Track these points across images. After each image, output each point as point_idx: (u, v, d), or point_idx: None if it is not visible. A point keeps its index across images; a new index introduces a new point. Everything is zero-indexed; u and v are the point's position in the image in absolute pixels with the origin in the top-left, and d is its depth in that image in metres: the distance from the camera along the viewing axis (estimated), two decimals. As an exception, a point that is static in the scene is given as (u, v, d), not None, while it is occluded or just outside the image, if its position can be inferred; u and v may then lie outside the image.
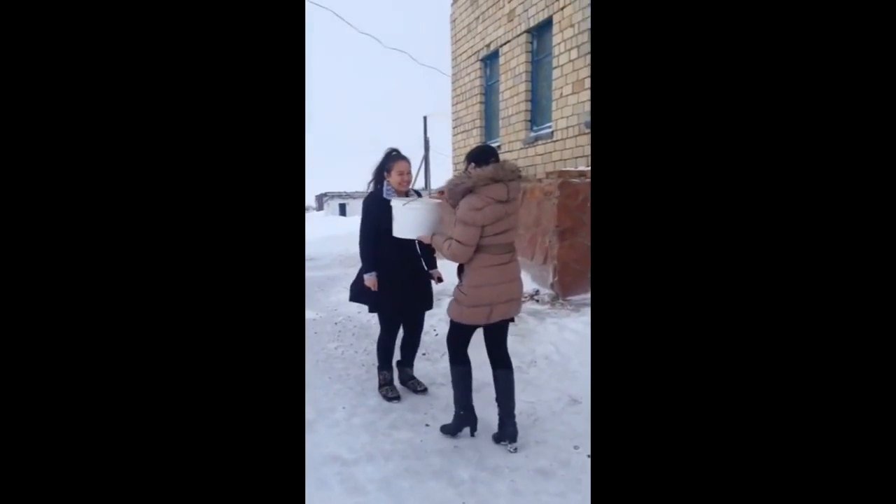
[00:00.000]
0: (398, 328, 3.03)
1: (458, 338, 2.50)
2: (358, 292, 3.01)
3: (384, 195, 2.80)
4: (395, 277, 2.83)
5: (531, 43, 6.79)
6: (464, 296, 2.37)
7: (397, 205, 2.60)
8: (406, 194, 2.83)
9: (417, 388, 3.09)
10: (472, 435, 2.52)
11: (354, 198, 26.92)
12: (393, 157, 2.81)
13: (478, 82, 8.08)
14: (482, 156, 2.39)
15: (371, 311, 3.03)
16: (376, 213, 2.78)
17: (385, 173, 2.81)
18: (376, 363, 3.57)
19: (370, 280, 2.84)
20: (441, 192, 2.55)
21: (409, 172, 2.80)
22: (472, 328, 2.49)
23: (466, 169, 2.42)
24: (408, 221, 2.55)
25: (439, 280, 3.03)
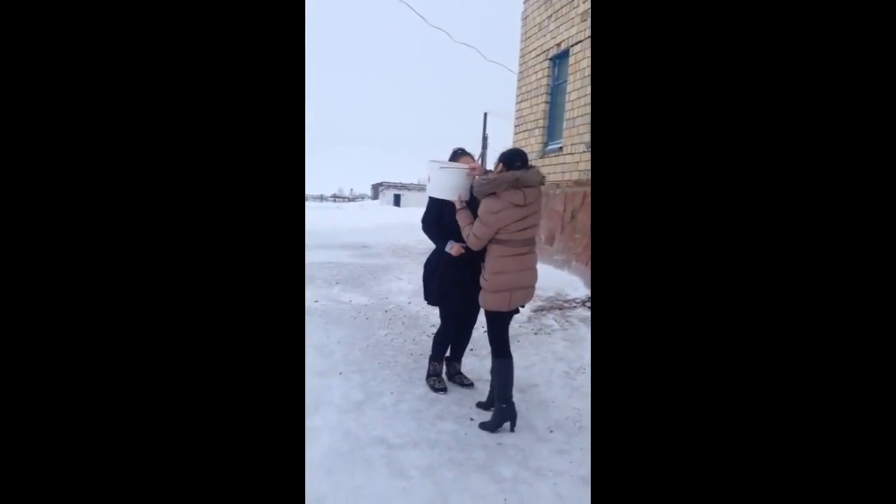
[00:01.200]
0: (462, 321, 3.07)
1: (495, 329, 2.65)
2: (430, 292, 3.06)
3: None
4: (459, 273, 2.91)
5: (603, 44, 6.64)
6: (486, 282, 2.59)
7: (433, 166, 2.80)
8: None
9: (464, 382, 3.13)
10: (512, 430, 2.55)
11: (409, 189, 27.21)
12: (457, 154, 2.96)
13: (545, 81, 7.98)
14: (511, 160, 2.57)
15: (434, 304, 3.09)
16: (440, 205, 2.91)
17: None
18: (424, 353, 3.64)
19: (454, 247, 2.84)
20: (474, 167, 2.80)
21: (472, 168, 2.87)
22: (506, 317, 2.65)
23: (496, 168, 2.63)
24: (441, 181, 2.77)
25: None
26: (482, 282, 2.62)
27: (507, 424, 2.57)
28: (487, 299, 2.60)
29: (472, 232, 2.57)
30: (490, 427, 2.57)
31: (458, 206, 2.71)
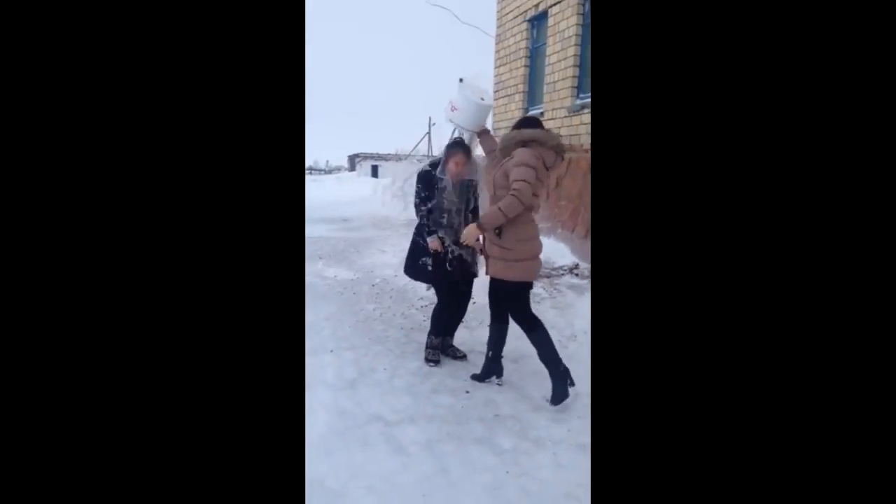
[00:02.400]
0: (454, 299, 3.07)
1: (519, 302, 2.51)
2: (414, 269, 3.10)
3: (437, 173, 2.98)
4: (448, 252, 2.95)
5: (583, 5, 6.46)
6: (509, 251, 2.41)
7: (466, 91, 2.84)
8: (460, 185, 2.98)
9: (457, 354, 3.13)
10: (573, 385, 2.50)
11: (387, 160, 26.72)
12: (452, 147, 2.98)
13: (523, 44, 7.79)
14: (526, 124, 2.53)
15: (427, 281, 3.11)
16: (428, 186, 2.98)
17: (445, 158, 2.96)
18: (415, 327, 3.63)
19: (434, 243, 2.93)
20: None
21: (464, 164, 2.93)
22: (528, 286, 2.53)
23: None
24: (468, 109, 2.83)
25: (483, 252, 3.09)
26: (502, 252, 2.39)
27: (504, 398, 2.58)
28: (513, 269, 2.39)
29: (521, 179, 2.26)
30: (559, 398, 2.45)
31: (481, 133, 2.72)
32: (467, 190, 2.99)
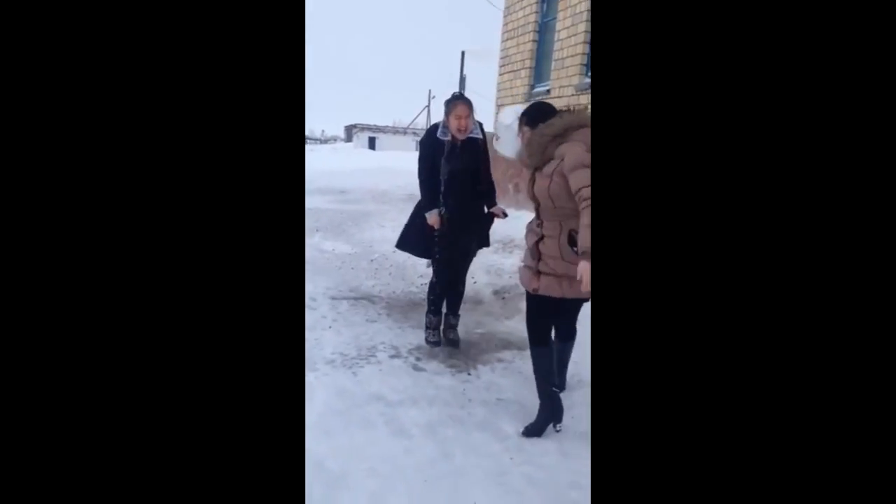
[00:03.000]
0: (454, 274, 2.97)
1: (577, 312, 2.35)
2: (408, 241, 2.94)
3: (438, 135, 2.77)
4: (452, 223, 2.80)
5: (597, -22, 6.25)
6: (569, 266, 2.05)
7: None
8: (462, 141, 2.75)
9: (451, 336, 3.05)
10: (556, 428, 2.22)
11: (385, 132, 26.28)
12: (452, 100, 2.75)
13: (532, 18, 7.56)
14: (540, 115, 2.10)
15: (423, 257, 3.00)
16: (430, 151, 2.80)
17: (446, 116, 2.75)
18: (414, 305, 3.56)
19: (432, 218, 2.77)
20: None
21: (467, 116, 2.69)
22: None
23: (521, 130, 2.19)
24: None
25: (504, 215, 2.96)
26: (559, 266, 2.03)
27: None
28: (567, 286, 2.02)
29: (589, 184, 1.85)
30: (536, 431, 2.14)
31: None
32: (473, 150, 2.76)
